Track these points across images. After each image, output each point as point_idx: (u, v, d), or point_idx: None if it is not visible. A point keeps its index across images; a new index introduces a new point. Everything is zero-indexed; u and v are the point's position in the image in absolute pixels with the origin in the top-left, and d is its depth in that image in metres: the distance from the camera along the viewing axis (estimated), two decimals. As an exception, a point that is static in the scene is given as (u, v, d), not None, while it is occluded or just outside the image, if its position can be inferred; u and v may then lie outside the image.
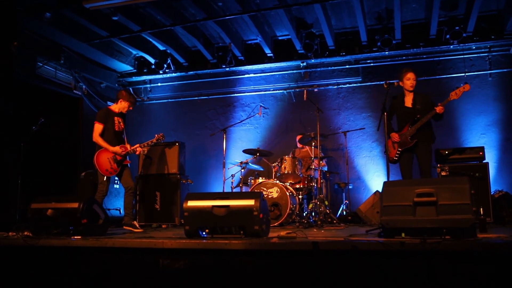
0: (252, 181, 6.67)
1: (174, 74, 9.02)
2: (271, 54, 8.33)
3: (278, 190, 6.22)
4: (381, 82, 7.64)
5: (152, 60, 8.75)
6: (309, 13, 7.48)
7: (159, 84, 9.33)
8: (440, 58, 7.77)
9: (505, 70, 7.47)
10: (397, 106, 5.38)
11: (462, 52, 7.65)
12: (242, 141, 8.60)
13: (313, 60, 8.24)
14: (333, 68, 8.33)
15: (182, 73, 8.98)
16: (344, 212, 7.11)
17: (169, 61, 8.65)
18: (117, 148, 5.52)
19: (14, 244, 4.11)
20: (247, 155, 7.18)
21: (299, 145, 7.67)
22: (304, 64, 8.37)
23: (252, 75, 8.77)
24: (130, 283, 3.73)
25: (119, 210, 7.38)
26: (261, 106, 7.95)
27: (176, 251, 3.60)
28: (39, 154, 6.79)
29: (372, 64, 8.11)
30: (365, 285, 3.19)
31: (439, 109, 4.98)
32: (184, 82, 9.16)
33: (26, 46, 6.80)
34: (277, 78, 8.66)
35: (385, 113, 5.02)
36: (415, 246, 3.06)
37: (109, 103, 8.48)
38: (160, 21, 7.57)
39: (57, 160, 7.39)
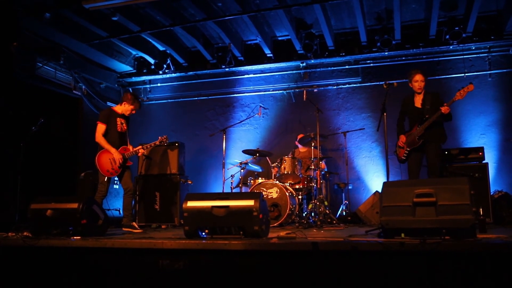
0: (251, 181, 6.67)
1: (173, 75, 9.02)
2: (271, 55, 8.33)
3: (278, 190, 6.22)
4: (380, 83, 7.65)
5: (151, 61, 8.75)
6: (309, 13, 7.48)
7: (159, 85, 9.33)
8: (440, 59, 7.77)
9: (504, 70, 7.47)
10: (408, 107, 5.43)
11: (461, 53, 7.66)
12: (241, 141, 8.60)
13: (312, 61, 8.25)
14: (332, 68, 8.33)
15: (182, 74, 8.98)
16: (344, 213, 7.10)
17: (168, 61, 8.65)
18: (118, 154, 5.49)
19: (13, 245, 4.10)
20: (247, 155, 7.18)
21: (299, 146, 7.67)
22: (304, 64, 8.37)
23: (251, 75, 8.77)
24: (129, 284, 3.73)
25: (119, 211, 7.38)
26: (260, 106, 7.96)
27: (176, 251, 3.60)
28: (39, 154, 6.78)
29: (371, 65, 8.11)
30: (365, 285, 3.18)
31: (444, 109, 5.01)
32: (184, 82, 9.16)
33: (26, 47, 6.80)
34: (277, 79, 8.66)
35: (385, 113, 5.04)
36: (415, 247, 3.06)
37: (108, 103, 8.48)
38: (159, 22, 7.58)
39: (57, 160, 7.38)
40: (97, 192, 5.46)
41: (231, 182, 7.02)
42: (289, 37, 7.91)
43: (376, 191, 6.85)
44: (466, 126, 7.47)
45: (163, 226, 6.71)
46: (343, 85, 8.28)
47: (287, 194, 6.14)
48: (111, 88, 8.97)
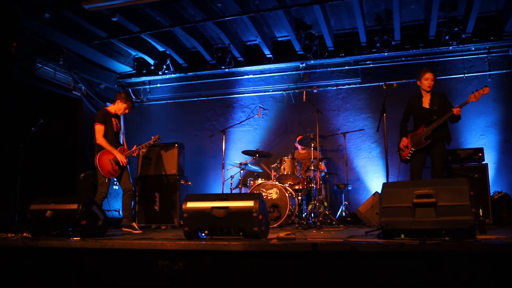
0: (251, 182, 6.67)
1: (173, 75, 9.02)
2: (271, 55, 8.33)
3: (278, 191, 6.22)
4: (380, 83, 7.66)
5: (151, 61, 8.74)
6: (309, 14, 7.48)
7: (159, 85, 9.33)
8: (440, 59, 7.77)
9: (504, 71, 7.47)
10: (414, 106, 5.36)
11: (461, 53, 7.66)
12: (241, 142, 8.60)
13: (312, 61, 8.25)
14: (332, 69, 8.34)
15: (182, 74, 8.98)
16: (344, 213, 7.11)
17: (168, 62, 8.65)
18: (122, 156, 5.50)
19: (13, 245, 4.10)
20: (247, 156, 7.18)
21: (298, 147, 7.67)
22: (304, 65, 8.38)
23: (251, 76, 8.77)
24: (129, 285, 3.73)
25: (119, 211, 7.38)
26: (260, 107, 7.96)
27: (175, 252, 3.60)
28: (38, 155, 6.78)
29: (371, 65, 8.11)
30: (365, 286, 3.18)
31: (456, 110, 4.97)
32: (184, 83, 9.15)
33: (26, 47, 6.79)
34: (277, 79, 8.66)
35: (384, 114, 5.02)
36: (415, 247, 3.06)
37: (108, 104, 8.46)
38: (159, 22, 7.57)
39: (56, 161, 7.38)
40: (97, 193, 5.46)
41: (231, 183, 7.02)
42: (288, 37, 7.91)
43: (376, 192, 6.86)
44: (465, 127, 7.47)
45: (162, 227, 6.71)
46: (343, 85, 8.29)
47: (287, 195, 6.14)
48: (110, 89, 8.96)
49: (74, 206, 4.36)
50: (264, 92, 8.69)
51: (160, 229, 6.55)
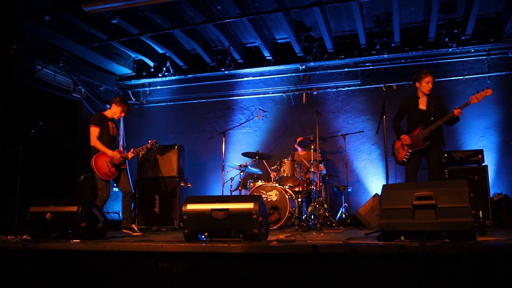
0: (251, 184, 6.67)
1: (173, 77, 9.02)
2: (270, 57, 8.34)
3: (277, 193, 6.22)
4: (380, 85, 7.64)
5: (151, 63, 8.75)
6: (308, 16, 7.49)
7: (158, 87, 9.33)
8: (439, 61, 7.78)
9: (503, 73, 7.48)
10: (410, 108, 5.32)
11: (460, 55, 7.67)
12: (241, 144, 8.60)
13: (312, 63, 8.25)
14: (332, 71, 8.35)
15: (181, 76, 8.98)
16: (343, 215, 7.10)
17: (168, 64, 8.65)
18: (115, 153, 5.52)
19: (13, 248, 4.10)
20: (246, 158, 7.18)
21: (298, 148, 7.67)
22: (303, 67, 8.38)
23: (251, 78, 8.78)
24: (129, 287, 3.72)
25: (118, 214, 7.38)
26: (260, 109, 7.98)
27: (175, 254, 3.60)
28: (38, 157, 6.78)
29: (371, 67, 8.12)
30: (365, 288, 3.18)
31: (457, 112, 4.93)
32: (183, 85, 9.16)
33: (25, 49, 6.79)
34: (276, 81, 8.67)
35: (384, 116, 5.02)
36: (415, 249, 3.06)
37: (108, 106, 8.47)
38: (159, 24, 7.58)
39: (56, 163, 7.38)
40: (98, 198, 5.46)
41: (231, 185, 7.02)
42: (288, 40, 7.91)
43: (376, 194, 6.86)
44: (465, 129, 7.48)
45: (162, 229, 6.71)
46: (343, 87, 8.29)
47: (287, 197, 6.14)
48: (110, 91, 8.97)
49: (74, 208, 4.36)
50: (264, 94, 8.69)
51: (160, 231, 6.55)
